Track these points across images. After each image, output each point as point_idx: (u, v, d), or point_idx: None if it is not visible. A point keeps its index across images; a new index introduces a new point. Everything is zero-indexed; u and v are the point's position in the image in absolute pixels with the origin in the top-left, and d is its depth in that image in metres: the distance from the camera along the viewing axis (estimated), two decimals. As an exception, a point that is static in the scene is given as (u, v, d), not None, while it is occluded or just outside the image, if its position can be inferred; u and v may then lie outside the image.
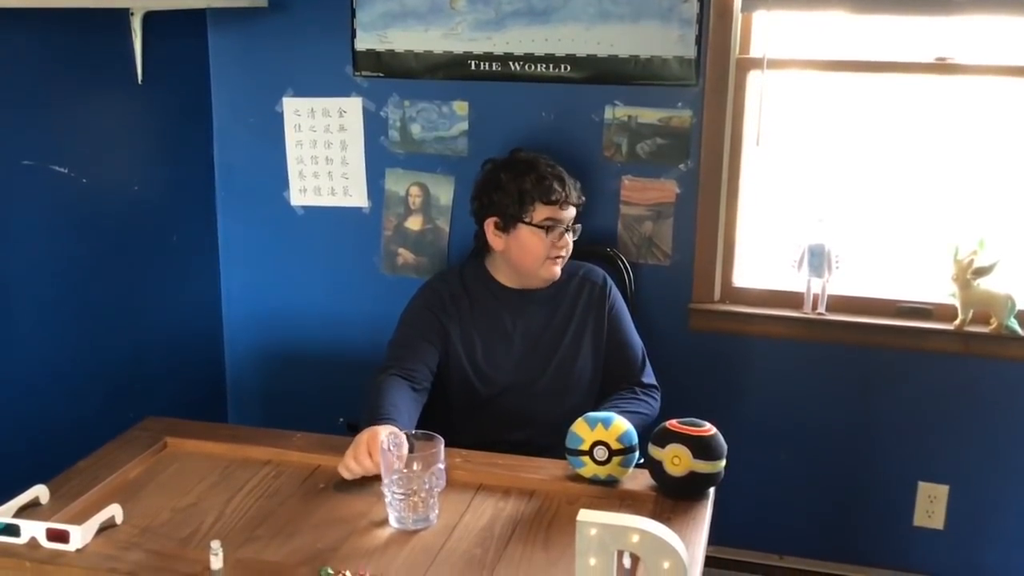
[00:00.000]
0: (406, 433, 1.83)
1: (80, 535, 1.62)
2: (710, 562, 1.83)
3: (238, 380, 3.16)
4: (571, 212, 2.33)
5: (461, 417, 2.37)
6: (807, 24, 2.65)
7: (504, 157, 2.40)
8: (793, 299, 2.74)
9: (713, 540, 1.82)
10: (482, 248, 2.43)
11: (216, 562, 1.57)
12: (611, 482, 1.86)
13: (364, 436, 1.88)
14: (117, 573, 1.56)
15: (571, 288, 2.42)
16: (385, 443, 1.76)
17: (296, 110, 2.92)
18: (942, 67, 2.55)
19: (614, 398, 2.37)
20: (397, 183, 2.90)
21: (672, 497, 1.81)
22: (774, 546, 2.92)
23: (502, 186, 2.31)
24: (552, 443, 2.05)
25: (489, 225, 2.33)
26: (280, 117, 2.92)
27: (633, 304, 2.63)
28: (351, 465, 1.87)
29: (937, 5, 2.47)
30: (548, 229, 2.29)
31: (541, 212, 2.28)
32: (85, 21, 2.42)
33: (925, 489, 2.77)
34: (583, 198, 2.38)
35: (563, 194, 2.29)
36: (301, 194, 2.98)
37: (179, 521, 1.76)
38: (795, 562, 2.90)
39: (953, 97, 2.60)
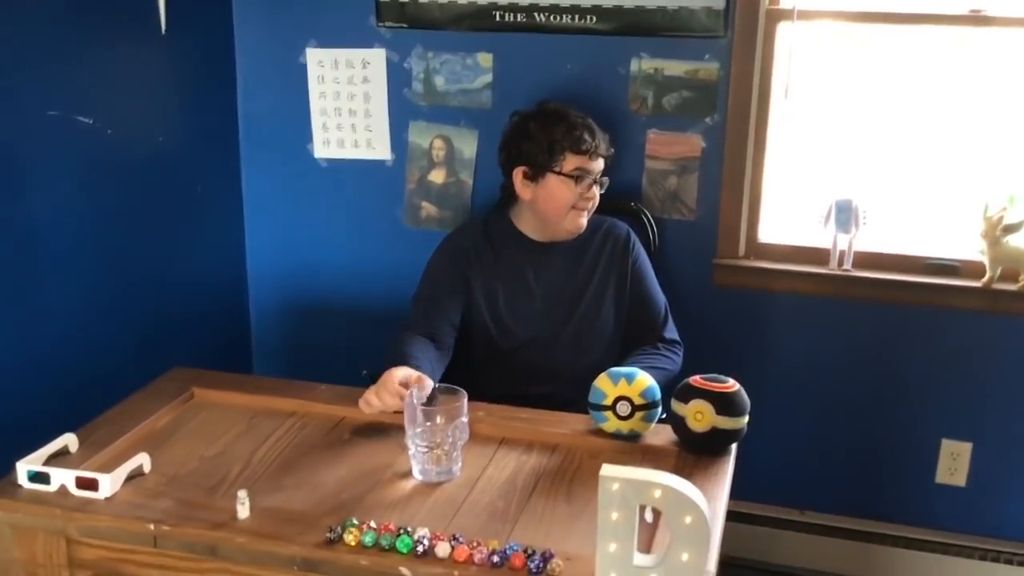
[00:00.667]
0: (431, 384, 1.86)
1: (109, 483, 1.65)
2: (731, 516, 1.84)
3: (263, 331, 3.18)
4: (600, 164, 2.32)
5: (483, 370, 2.38)
6: (839, -26, 2.60)
7: (532, 108, 2.39)
8: (819, 255, 2.72)
9: (734, 495, 1.82)
10: (508, 199, 2.43)
11: (243, 511, 1.59)
12: (633, 437, 1.87)
13: (386, 375, 1.92)
14: (145, 521, 1.59)
15: (595, 242, 2.41)
16: (411, 396, 1.77)
17: (320, 61, 2.90)
18: (975, 19, 2.50)
19: (636, 353, 2.37)
20: (420, 136, 2.89)
21: (694, 452, 1.81)
22: (795, 501, 2.93)
23: (532, 135, 2.30)
24: (574, 397, 2.06)
25: (518, 174, 2.32)
26: (303, 68, 2.91)
27: (657, 259, 2.62)
28: (372, 400, 1.91)
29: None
30: (577, 179, 2.28)
31: (571, 162, 2.28)
32: (109, -29, 2.41)
33: (948, 446, 2.76)
34: (612, 150, 2.37)
35: (593, 144, 2.29)
36: (325, 146, 2.97)
37: (206, 470, 1.78)
38: (816, 517, 2.91)
39: (986, 50, 2.55)
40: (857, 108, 2.69)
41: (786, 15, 2.59)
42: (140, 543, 1.59)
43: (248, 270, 3.13)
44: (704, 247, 2.77)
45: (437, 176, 2.91)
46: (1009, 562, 2.77)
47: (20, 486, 1.66)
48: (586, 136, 2.29)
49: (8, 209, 2.21)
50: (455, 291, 2.33)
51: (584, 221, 2.34)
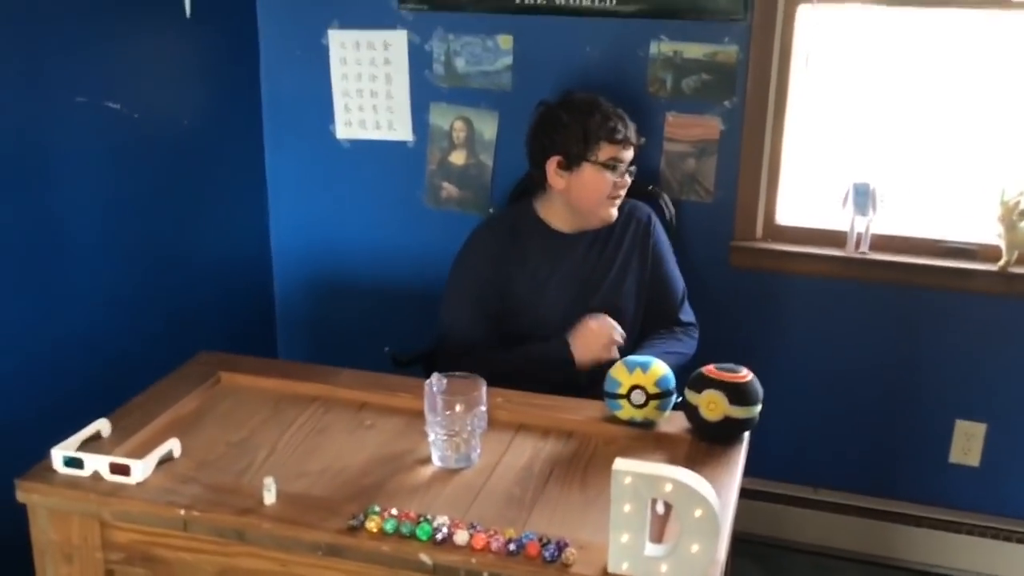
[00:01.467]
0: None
1: (141, 469, 1.71)
2: (745, 494, 1.88)
3: (287, 310, 3.24)
4: (631, 153, 2.36)
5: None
6: (859, -43, 2.59)
7: (559, 98, 2.41)
8: (836, 238, 2.74)
9: (748, 472, 1.86)
10: (533, 188, 2.45)
11: (269, 497, 1.65)
12: (648, 424, 1.91)
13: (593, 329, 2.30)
14: (176, 506, 1.64)
15: (617, 224, 2.44)
16: (433, 385, 1.81)
17: (342, 43, 2.93)
18: (999, 2, 2.49)
19: (652, 337, 2.42)
20: (441, 117, 2.92)
21: (707, 441, 1.85)
22: (809, 479, 2.97)
23: (565, 125, 2.31)
24: (594, 381, 2.10)
25: (551, 164, 2.34)
26: (326, 50, 2.94)
27: (675, 241, 2.65)
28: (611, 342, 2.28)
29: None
30: (612, 168, 2.31)
31: (606, 151, 2.30)
32: (133, -43, 2.44)
33: (962, 427, 2.79)
34: (643, 139, 2.39)
35: (626, 133, 2.32)
36: (347, 127, 3.01)
37: (233, 455, 1.84)
38: (829, 495, 2.95)
39: (1008, 33, 2.54)
40: (876, 91, 2.69)
41: (806, -2, 2.59)
42: (171, 527, 1.65)
43: (272, 250, 3.18)
44: (721, 229, 2.79)
45: (457, 157, 2.95)
46: (1021, 541, 2.80)
47: (56, 471, 1.72)
48: (620, 126, 2.31)
49: (37, 196, 2.27)
50: (489, 296, 2.37)
51: (615, 211, 2.38)
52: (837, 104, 2.73)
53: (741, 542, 2.76)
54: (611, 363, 1.95)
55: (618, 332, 2.33)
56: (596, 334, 2.32)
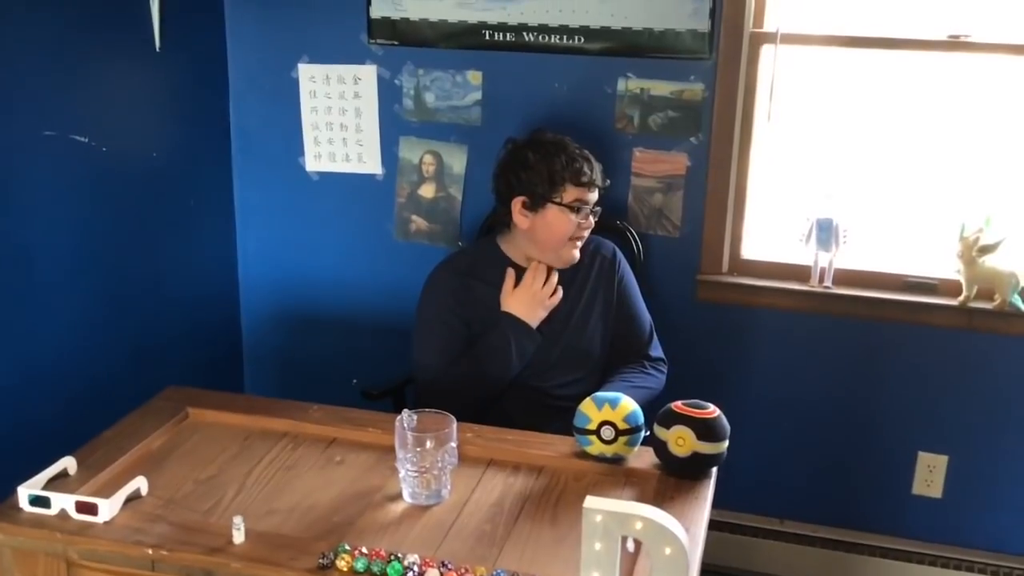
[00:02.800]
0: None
1: (108, 508, 1.69)
2: (713, 525, 1.90)
3: (254, 343, 3.23)
4: (596, 195, 2.36)
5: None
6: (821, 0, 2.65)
7: (528, 137, 2.42)
8: (800, 272, 2.78)
9: (715, 504, 1.88)
10: (498, 226, 2.47)
11: (239, 536, 1.64)
12: (617, 460, 1.92)
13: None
14: (143, 546, 1.63)
15: (583, 261, 2.45)
16: (404, 420, 1.81)
17: (312, 77, 2.94)
18: (954, 44, 2.56)
19: (622, 371, 2.43)
20: (411, 151, 2.94)
21: (676, 476, 1.87)
22: (776, 510, 3.00)
23: (531, 166, 2.33)
24: (562, 416, 2.11)
25: (516, 204, 2.35)
26: (296, 83, 2.95)
27: (642, 275, 2.68)
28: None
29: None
30: (576, 210, 2.32)
31: (571, 193, 2.31)
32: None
33: (925, 459, 2.83)
34: (607, 181, 2.41)
35: (591, 176, 2.33)
36: (316, 160, 3.01)
37: (202, 493, 1.83)
38: (796, 527, 2.98)
39: (964, 74, 2.61)
40: (839, 129, 2.75)
41: (769, 38, 2.65)
42: (139, 567, 1.64)
43: (240, 282, 3.17)
44: (688, 263, 2.83)
45: (427, 191, 2.96)
46: (983, 572, 2.84)
47: (21, 510, 1.70)
48: (586, 168, 2.32)
49: (3, 227, 2.25)
50: (456, 328, 2.37)
51: (578, 253, 2.39)
52: (801, 140, 2.78)
53: (709, 574, 2.78)
54: (582, 398, 1.96)
55: (549, 286, 2.38)
56: (527, 288, 2.36)
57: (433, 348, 2.37)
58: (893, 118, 2.70)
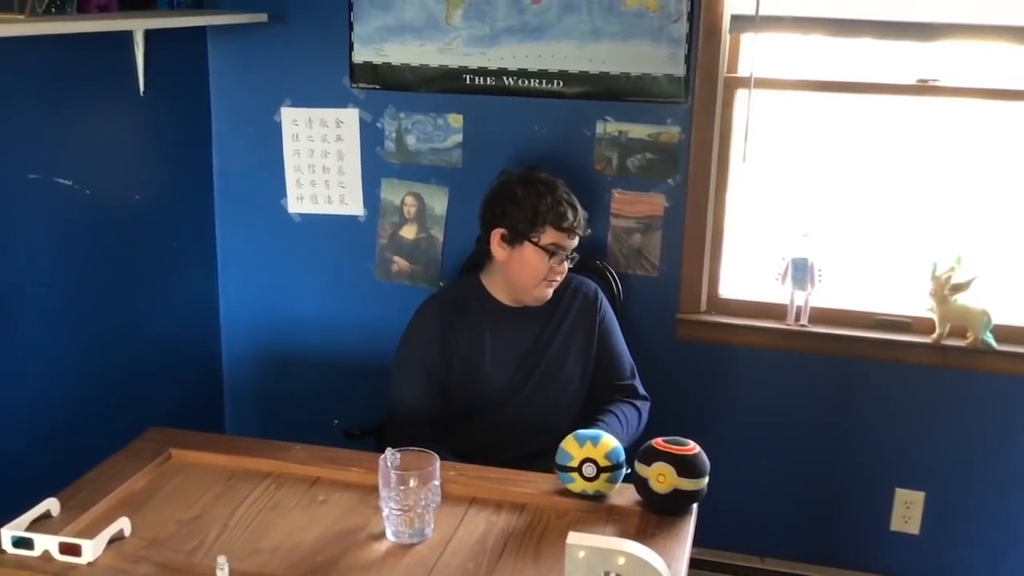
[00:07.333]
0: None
1: (91, 549, 1.69)
2: (693, 563, 1.92)
3: (235, 384, 3.23)
4: (575, 242, 2.38)
5: (454, 430, 2.42)
6: (793, 45, 2.72)
7: (523, 172, 2.44)
8: (777, 311, 2.82)
9: (696, 542, 1.89)
10: (481, 260, 2.49)
11: (222, 576, 1.64)
12: (599, 497, 1.94)
13: None
14: (127, 586, 1.64)
15: (563, 300, 2.48)
16: (387, 459, 1.83)
17: (294, 120, 2.98)
18: (923, 88, 2.63)
19: (604, 409, 2.45)
20: (392, 192, 2.97)
21: (657, 513, 1.89)
22: (756, 548, 3.01)
23: (517, 201, 2.35)
24: (542, 453, 2.13)
25: (496, 235, 2.37)
26: (279, 127, 2.98)
27: (621, 314, 2.71)
28: None
29: (918, 32, 2.55)
30: (552, 254, 2.34)
31: (550, 236, 2.33)
32: (89, 36, 2.46)
33: (902, 495, 2.86)
34: (589, 230, 2.44)
35: (574, 223, 2.35)
36: (298, 202, 3.04)
37: (185, 533, 1.83)
38: (776, 564, 2.99)
39: (934, 117, 2.68)
40: (813, 170, 2.81)
41: (743, 83, 2.71)
42: (122, 608, 1.64)
43: (222, 324, 3.18)
44: (667, 302, 2.87)
45: (408, 232, 2.99)
46: (961, 607, 2.87)
47: (4, 551, 1.70)
48: (569, 214, 2.34)
49: (-13, 270, 2.26)
50: (436, 370, 2.38)
51: (550, 292, 2.40)
52: (777, 182, 2.84)
53: (691, 613, 2.78)
54: (562, 435, 1.98)
55: None
56: None
57: (408, 388, 2.39)
58: (865, 160, 2.76)
